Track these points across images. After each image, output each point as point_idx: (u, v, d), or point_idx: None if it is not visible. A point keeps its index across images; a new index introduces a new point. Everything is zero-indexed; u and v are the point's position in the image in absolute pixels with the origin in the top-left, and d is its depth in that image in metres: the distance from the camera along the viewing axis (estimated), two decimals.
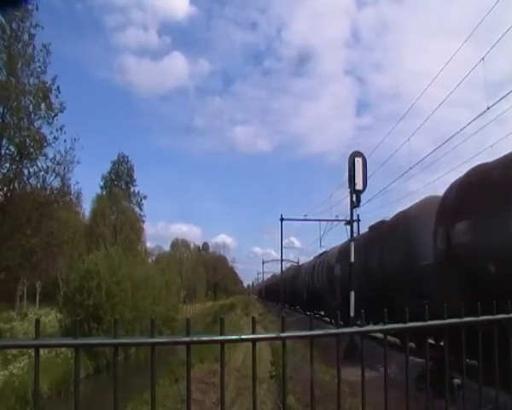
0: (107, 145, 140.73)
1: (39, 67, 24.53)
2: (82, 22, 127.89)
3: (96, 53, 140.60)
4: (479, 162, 11.81)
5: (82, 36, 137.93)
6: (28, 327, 28.25)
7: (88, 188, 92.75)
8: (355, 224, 21.84)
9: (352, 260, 18.79)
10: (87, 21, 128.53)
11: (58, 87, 24.94)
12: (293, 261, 64.56)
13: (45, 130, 24.68)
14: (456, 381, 5.97)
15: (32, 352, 2.48)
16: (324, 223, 34.96)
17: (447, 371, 3.60)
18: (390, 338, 4.93)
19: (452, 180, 12.80)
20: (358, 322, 3.18)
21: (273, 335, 2.96)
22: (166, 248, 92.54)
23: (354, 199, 19.04)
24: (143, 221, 64.12)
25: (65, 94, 25.35)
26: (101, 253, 34.18)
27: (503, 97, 13.29)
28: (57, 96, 24.88)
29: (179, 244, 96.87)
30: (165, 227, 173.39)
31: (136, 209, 63.23)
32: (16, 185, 24.96)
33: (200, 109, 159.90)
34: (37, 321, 2.43)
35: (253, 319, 2.90)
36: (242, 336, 2.77)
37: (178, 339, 2.67)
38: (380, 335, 3.53)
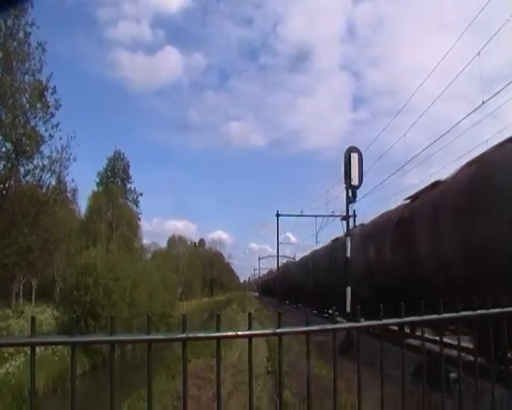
0: (102, 141, 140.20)
1: (35, 65, 24.44)
2: (74, 17, 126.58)
3: (88, 48, 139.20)
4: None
5: (74, 30, 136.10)
6: (24, 325, 28.25)
7: (83, 184, 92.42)
8: (351, 219, 21.89)
9: (349, 255, 18.84)
10: (79, 16, 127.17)
11: (54, 87, 24.91)
12: (289, 257, 64.87)
13: (41, 128, 24.63)
14: (453, 375, 5.98)
15: (28, 350, 2.49)
16: (320, 218, 35.17)
17: (443, 365, 3.62)
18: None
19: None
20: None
21: (269, 331, 2.96)
22: (162, 244, 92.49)
23: (350, 194, 19.07)
24: (139, 218, 64.08)
25: (59, 90, 25.26)
26: (98, 249, 34.18)
27: (497, 92, 13.34)
28: (53, 95, 24.82)
29: (176, 241, 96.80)
30: (160, 223, 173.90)
31: (133, 206, 63.12)
32: (12, 183, 24.90)
33: (196, 105, 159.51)
34: (33, 319, 2.43)
35: (250, 314, 2.90)
36: (238, 333, 2.78)
37: (175, 336, 2.68)
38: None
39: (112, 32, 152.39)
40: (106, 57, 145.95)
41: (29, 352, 2.40)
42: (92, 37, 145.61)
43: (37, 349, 2.43)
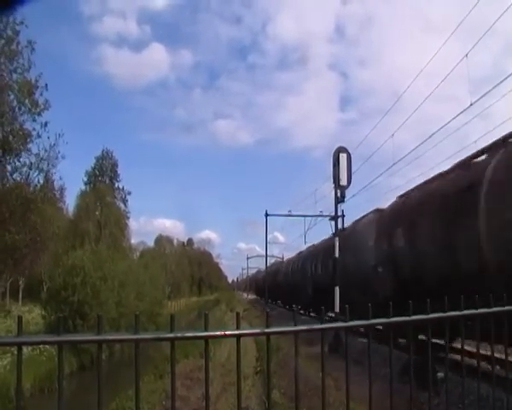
0: (90, 139, 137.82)
1: (23, 64, 24.17)
2: (57, 10, 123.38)
3: (72, 43, 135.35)
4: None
5: (57, 25, 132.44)
6: (11, 324, 27.96)
7: (71, 182, 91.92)
8: (339, 219, 21.93)
9: (337, 255, 18.87)
10: (62, 9, 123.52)
11: (46, 85, 24.74)
12: (277, 257, 64.83)
13: (29, 126, 24.46)
14: (440, 374, 6.03)
15: (14, 350, 2.46)
16: (309, 218, 35.14)
17: (431, 364, 3.64)
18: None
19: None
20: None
21: (257, 330, 2.96)
22: (150, 243, 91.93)
23: (339, 194, 19.11)
24: (128, 217, 63.68)
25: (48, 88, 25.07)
26: (86, 249, 34.02)
27: (485, 94, 13.42)
28: (42, 94, 24.64)
29: (163, 240, 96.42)
30: (148, 222, 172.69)
31: (121, 205, 62.69)
32: None
33: (183, 103, 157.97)
34: (20, 318, 2.40)
35: (238, 314, 2.90)
36: (226, 332, 2.78)
37: (162, 335, 2.67)
38: None
39: (97, 28, 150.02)
40: (91, 53, 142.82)
41: (15, 352, 2.38)
42: (76, 32, 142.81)
43: (24, 349, 2.41)
